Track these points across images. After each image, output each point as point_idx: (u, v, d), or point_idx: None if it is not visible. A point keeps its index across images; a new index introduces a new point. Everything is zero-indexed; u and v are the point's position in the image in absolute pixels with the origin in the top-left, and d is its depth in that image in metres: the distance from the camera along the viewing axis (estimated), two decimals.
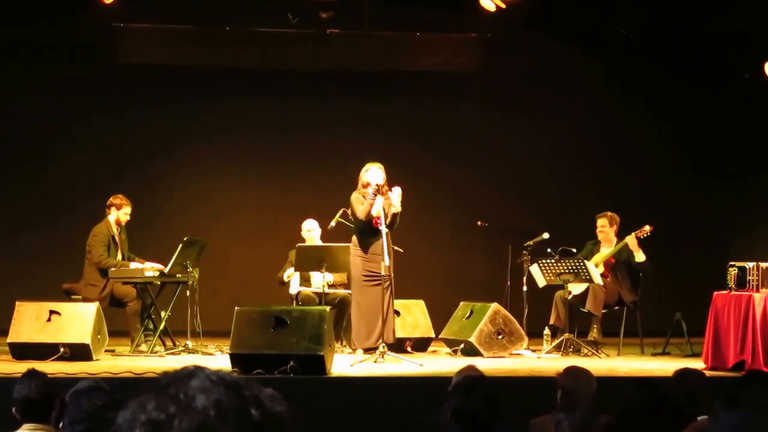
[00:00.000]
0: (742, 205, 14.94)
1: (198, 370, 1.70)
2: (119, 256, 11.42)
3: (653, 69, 15.08)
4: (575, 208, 14.24)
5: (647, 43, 14.43)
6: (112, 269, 11.10)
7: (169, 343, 11.24)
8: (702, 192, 15.27)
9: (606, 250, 12.06)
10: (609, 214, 12.14)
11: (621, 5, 13.88)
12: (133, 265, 11.29)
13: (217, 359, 10.43)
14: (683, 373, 6.06)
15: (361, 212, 10.63)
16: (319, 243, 12.08)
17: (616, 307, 11.94)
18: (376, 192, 10.53)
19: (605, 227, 12.07)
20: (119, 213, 11.47)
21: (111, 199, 11.56)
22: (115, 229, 11.45)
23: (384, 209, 10.47)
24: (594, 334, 11.64)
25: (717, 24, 13.55)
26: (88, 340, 10.06)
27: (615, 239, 12.06)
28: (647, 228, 11.83)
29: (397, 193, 10.58)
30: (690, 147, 15.32)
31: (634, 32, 13.99)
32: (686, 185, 15.35)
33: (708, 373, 8.30)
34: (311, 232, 12.19)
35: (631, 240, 11.79)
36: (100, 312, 10.43)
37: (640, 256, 11.83)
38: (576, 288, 11.76)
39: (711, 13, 13.38)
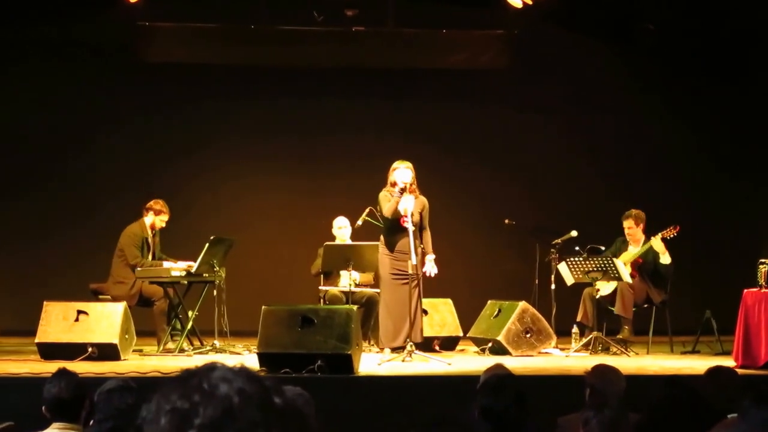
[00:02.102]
0: None
1: (218, 363, 1.73)
2: (150, 259, 11.43)
3: (681, 66, 14.99)
4: (603, 206, 14.17)
5: (675, 39, 14.34)
6: (139, 269, 11.11)
7: (196, 343, 11.26)
8: (731, 189, 15.15)
9: (633, 249, 11.98)
10: (633, 212, 12.02)
11: (649, 0, 13.80)
12: (165, 264, 11.29)
13: (245, 359, 10.42)
14: (715, 371, 6.01)
15: (387, 210, 10.61)
16: (349, 241, 12.07)
17: (645, 305, 11.87)
18: (402, 191, 10.51)
19: (632, 228, 11.98)
20: (156, 218, 11.48)
21: (151, 203, 11.55)
22: (149, 232, 11.46)
23: (411, 208, 10.45)
24: (625, 333, 11.56)
25: (747, 19, 13.45)
26: (115, 340, 10.07)
27: (643, 237, 11.97)
28: (673, 229, 11.73)
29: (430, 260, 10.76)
30: (719, 144, 15.20)
31: (662, 28, 13.90)
32: (715, 183, 15.23)
33: (738, 371, 8.23)
34: (342, 229, 12.19)
35: (656, 242, 11.70)
36: (127, 312, 10.44)
37: (665, 258, 11.74)
38: (604, 289, 11.71)
39: (741, 8, 13.28)
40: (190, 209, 14.34)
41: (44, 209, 14.44)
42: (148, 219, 11.49)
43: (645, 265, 11.87)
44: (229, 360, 10.23)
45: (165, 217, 11.52)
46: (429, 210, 10.91)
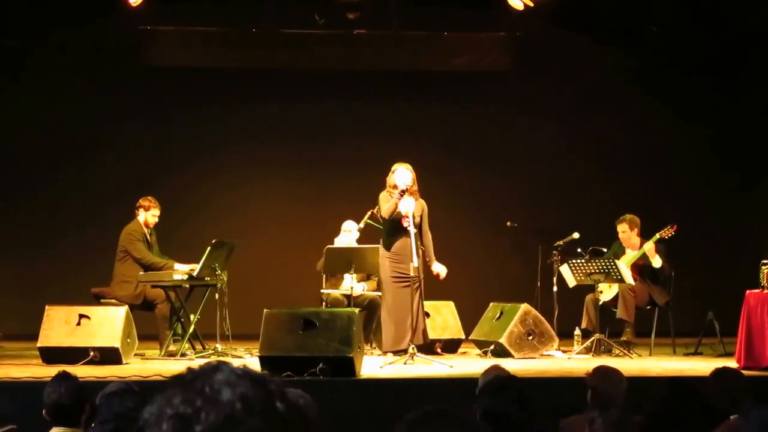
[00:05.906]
0: None
1: (223, 364, 1.71)
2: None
3: (684, 67, 14.97)
4: (605, 208, 14.15)
5: (679, 40, 14.32)
6: (141, 274, 11.10)
7: (198, 346, 11.26)
8: (734, 191, 15.14)
9: (631, 253, 11.94)
10: (628, 217, 11.96)
11: (653, 1, 13.77)
12: (176, 267, 11.29)
13: (247, 362, 10.39)
14: (721, 372, 6.00)
15: (385, 211, 10.59)
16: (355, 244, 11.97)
17: (648, 307, 11.84)
18: (401, 193, 10.47)
19: (626, 232, 11.93)
20: (147, 215, 11.48)
21: (140, 200, 11.57)
22: (145, 230, 11.47)
23: (412, 209, 10.43)
24: (627, 335, 11.54)
25: (753, 19, 13.40)
26: (117, 344, 10.07)
27: (639, 240, 11.92)
28: (670, 228, 11.69)
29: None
30: (722, 146, 15.18)
31: (665, 29, 13.88)
32: (718, 184, 15.21)
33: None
34: (349, 234, 12.02)
35: (648, 247, 11.66)
36: (129, 316, 10.44)
37: (656, 262, 11.69)
38: (606, 294, 11.68)
39: (747, 8, 13.25)
40: (193, 213, 14.36)
41: (47, 214, 14.43)
42: (141, 217, 11.49)
43: (644, 268, 11.84)
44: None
45: (156, 212, 11.52)
46: (430, 213, 10.87)
